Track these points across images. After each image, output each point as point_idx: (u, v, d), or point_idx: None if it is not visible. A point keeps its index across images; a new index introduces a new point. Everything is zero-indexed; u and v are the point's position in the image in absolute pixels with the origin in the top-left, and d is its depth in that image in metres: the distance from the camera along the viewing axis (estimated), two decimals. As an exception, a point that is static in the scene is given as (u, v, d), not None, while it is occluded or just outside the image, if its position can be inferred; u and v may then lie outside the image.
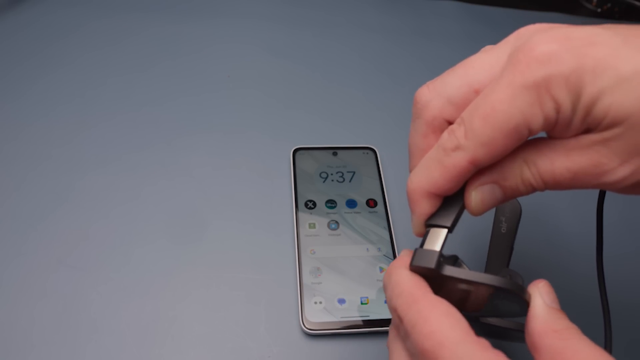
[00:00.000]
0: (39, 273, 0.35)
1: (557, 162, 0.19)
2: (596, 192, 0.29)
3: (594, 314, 0.29)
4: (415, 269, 0.22)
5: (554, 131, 0.19)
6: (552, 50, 0.18)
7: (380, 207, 0.40)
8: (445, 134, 0.21)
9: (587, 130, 0.19)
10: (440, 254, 0.22)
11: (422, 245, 0.22)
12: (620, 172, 0.18)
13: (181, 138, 0.43)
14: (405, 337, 0.21)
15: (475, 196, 0.21)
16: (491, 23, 0.58)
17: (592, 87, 0.17)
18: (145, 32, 0.52)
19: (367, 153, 0.43)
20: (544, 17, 0.59)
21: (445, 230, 0.22)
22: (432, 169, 0.21)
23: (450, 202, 0.23)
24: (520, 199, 0.33)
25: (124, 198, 0.39)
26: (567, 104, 0.18)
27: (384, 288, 0.23)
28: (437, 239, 0.22)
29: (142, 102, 0.46)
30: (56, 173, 0.40)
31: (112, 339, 0.33)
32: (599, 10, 0.62)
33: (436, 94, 0.23)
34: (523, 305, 0.21)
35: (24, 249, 0.36)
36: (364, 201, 0.40)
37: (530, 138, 0.20)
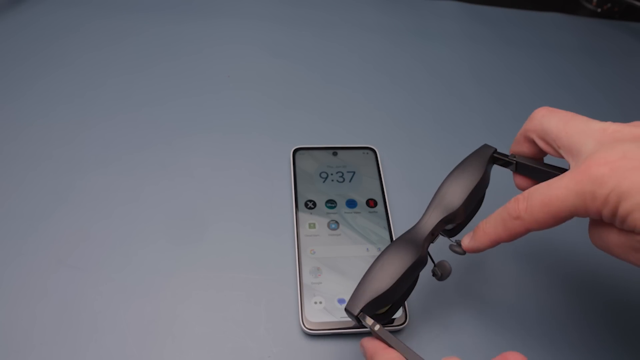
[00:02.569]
0: (40, 273, 0.35)
1: (610, 233, 0.25)
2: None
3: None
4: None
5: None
6: (601, 173, 0.23)
7: (380, 207, 0.40)
8: (512, 201, 0.27)
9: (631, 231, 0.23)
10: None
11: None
12: None
13: (181, 138, 0.43)
14: None
15: None
16: (491, 23, 0.58)
17: (626, 204, 0.22)
18: (145, 32, 0.52)
19: (367, 153, 0.43)
20: (544, 17, 0.59)
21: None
22: (498, 226, 0.28)
23: None
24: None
25: (124, 198, 0.39)
26: (607, 213, 0.23)
27: None
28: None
29: (142, 102, 0.46)
30: (56, 173, 0.40)
31: (113, 339, 0.33)
32: (599, 10, 0.62)
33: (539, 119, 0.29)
34: None
35: (24, 249, 0.36)
36: (364, 201, 0.40)
37: None
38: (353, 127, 0.46)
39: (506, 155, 0.32)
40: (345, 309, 0.28)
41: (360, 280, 0.29)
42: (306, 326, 0.33)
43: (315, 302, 0.34)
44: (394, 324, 0.34)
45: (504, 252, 0.39)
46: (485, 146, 0.32)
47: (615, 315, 0.36)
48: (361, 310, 0.27)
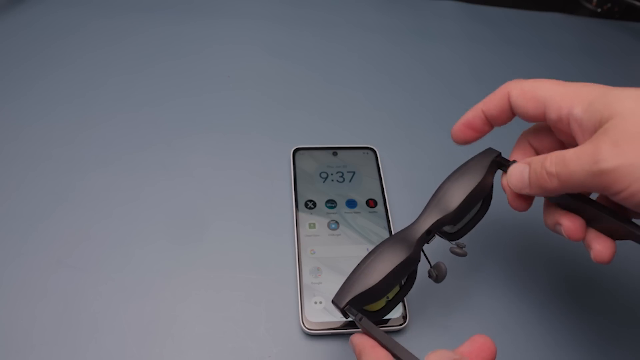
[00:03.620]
0: (39, 273, 0.35)
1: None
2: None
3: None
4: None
5: None
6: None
7: (380, 207, 0.40)
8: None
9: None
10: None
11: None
12: (611, 160, 0.23)
13: (181, 138, 0.43)
14: None
15: (510, 170, 0.29)
16: (491, 23, 0.58)
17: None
18: (145, 32, 0.52)
19: (367, 153, 0.43)
20: (544, 17, 0.59)
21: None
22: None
23: None
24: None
25: (124, 198, 0.39)
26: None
27: None
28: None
29: (142, 102, 0.46)
30: (56, 173, 0.40)
31: (113, 339, 0.33)
32: (599, 10, 0.62)
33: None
34: None
35: (24, 249, 0.36)
36: (364, 201, 0.40)
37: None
38: (353, 127, 0.46)
39: (508, 161, 0.31)
40: (333, 301, 0.28)
41: (350, 274, 0.28)
42: (306, 326, 0.33)
43: (315, 302, 0.34)
44: (393, 325, 0.34)
45: (504, 251, 0.39)
46: (489, 150, 0.32)
47: (615, 313, 0.36)
48: (347, 304, 0.27)
